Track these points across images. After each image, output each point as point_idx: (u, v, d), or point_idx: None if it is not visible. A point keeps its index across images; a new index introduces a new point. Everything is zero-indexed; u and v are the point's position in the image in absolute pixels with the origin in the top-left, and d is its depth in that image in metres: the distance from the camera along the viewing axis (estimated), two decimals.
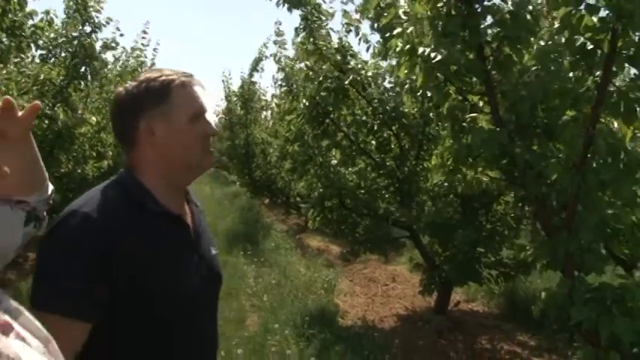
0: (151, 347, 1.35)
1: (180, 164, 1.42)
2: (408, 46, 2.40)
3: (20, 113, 1.13)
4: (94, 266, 1.26)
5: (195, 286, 1.43)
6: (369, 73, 5.51)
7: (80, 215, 1.30)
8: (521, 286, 6.72)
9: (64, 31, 6.13)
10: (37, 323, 0.91)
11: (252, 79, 14.04)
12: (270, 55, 6.72)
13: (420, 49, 2.34)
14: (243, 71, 13.72)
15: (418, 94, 2.75)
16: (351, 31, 5.22)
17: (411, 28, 2.40)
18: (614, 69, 2.07)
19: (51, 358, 0.87)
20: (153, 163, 1.41)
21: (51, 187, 1.30)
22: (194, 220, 1.52)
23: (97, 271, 1.26)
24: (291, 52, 7.35)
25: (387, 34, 4.04)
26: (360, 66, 5.45)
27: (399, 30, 2.49)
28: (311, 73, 5.36)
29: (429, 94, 2.71)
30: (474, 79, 2.48)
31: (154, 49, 13.45)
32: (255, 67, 13.95)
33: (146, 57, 7.84)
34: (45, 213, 1.29)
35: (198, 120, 1.42)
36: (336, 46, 5.49)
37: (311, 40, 5.31)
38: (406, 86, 3.72)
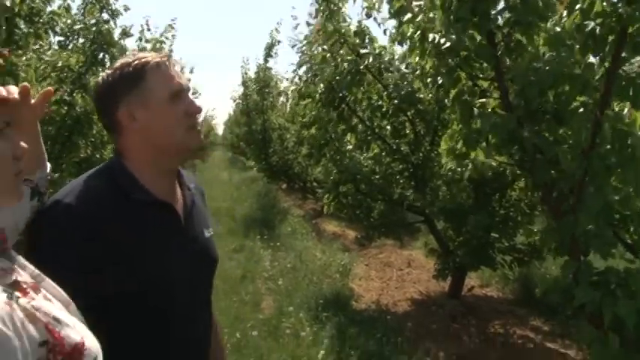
0: (144, 335, 1.35)
1: (164, 146, 1.39)
2: (418, 33, 2.42)
3: (33, 100, 1.20)
4: (80, 255, 1.26)
5: (185, 271, 1.41)
6: (386, 58, 5.51)
7: (63, 205, 1.29)
8: (535, 271, 6.72)
9: (81, 17, 6.22)
10: (58, 287, 0.99)
11: (268, 65, 14.07)
12: (289, 39, 6.71)
13: (431, 36, 2.36)
14: (258, 58, 13.76)
15: (428, 80, 2.75)
16: (371, 15, 5.21)
17: (421, 16, 2.42)
18: (624, 55, 2.08)
19: (73, 318, 0.95)
20: (138, 148, 1.39)
21: (49, 165, 1.40)
22: (185, 204, 1.49)
23: (83, 259, 1.25)
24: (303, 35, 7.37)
25: (401, 20, 4.08)
26: (377, 51, 5.45)
27: (409, 16, 2.51)
28: (328, 55, 5.37)
29: (439, 81, 2.73)
30: (484, 64, 2.50)
31: (173, 35, 13.51)
32: (268, 52, 13.97)
33: (164, 44, 7.90)
34: (45, 188, 1.38)
35: (178, 99, 1.38)
36: (355, 29, 5.50)
37: (331, 21, 5.32)
38: (417, 72, 3.73)
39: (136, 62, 1.37)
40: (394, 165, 6.17)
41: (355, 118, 5.98)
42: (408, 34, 2.52)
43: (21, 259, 0.99)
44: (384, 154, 6.09)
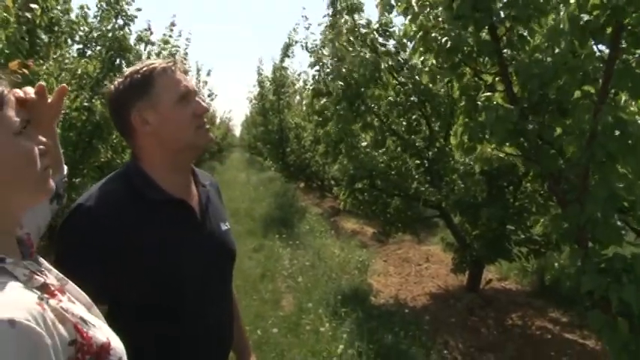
0: (155, 331, 1.41)
1: (176, 146, 1.47)
2: (421, 32, 2.49)
3: (50, 99, 1.28)
4: (101, 257, 1.33)
5: (198, 268, 1.48)
6: (403, 55, 5.56)
7: (84, 209, 1.37)
8: (552, 263, 6.70)
9: (98, 25, 6.39)
10: (80, 290, 1.05)
11: (284, 65, 14.18)
12: (303, 40, 6.81)
13: (433, 34, 2.43)
14: (274, 58, 13.89)
15: (437, 76, 2.81)
16: (390, 11, 5.28)
17: (422, 16, 2.48)
18: (623, 45, 2.12)
19: (96, 319, 1.01)
20: (152, 150, 1.47)
21: (66, 168, 1.49)
22: (200, 200, 1.56)
23: (104, 262, 1.33)
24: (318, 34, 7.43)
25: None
26: (395, 48, 5.51)
27: (411, 16, 2.58)
28: (350, 49, 5.43)
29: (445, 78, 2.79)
30: (487, 59, 2.55)
31: (187, 39, 13.75)
32: (285, 52, 14.08)
33: (179, 47, 8.08)
34: (63, 190, 1.47)
35: (186, 101, 1.46)
36: (376, 26, 5.56)
37: (353, 18, 5.38)
38: (426, 68, 3.81)
39: (144, 69, 1.46)
40: (410, 160, 6.21)
41: (372, 114, 6.03)
42: (411, 33, 2.59)
43: (46, 263, 1.03)
44: (399, 149, 6.14)
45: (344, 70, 5.71)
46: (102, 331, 0.96)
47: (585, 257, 2.29)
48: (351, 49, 5.69)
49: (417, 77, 5.61)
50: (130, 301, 1.38)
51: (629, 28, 2.03)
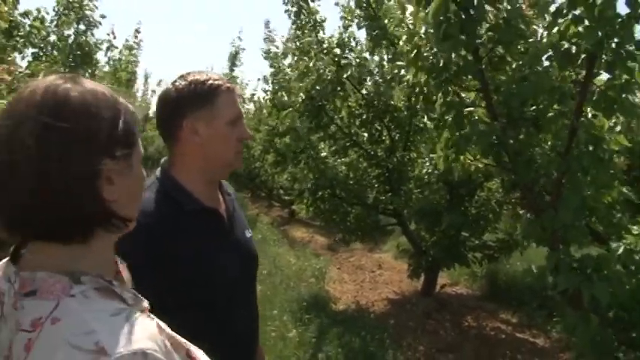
0: (193, 335, 1.47)
1: (217, 163, 1.53)
2: (415, 51, 2.69)
3: None
4: (149, 268, 1.29)
5: (234, 272, 1.54)
6: (365, 69, 5.79)
7: None
8: (501, 268, 7.13)
9: (55, 29, 6.25)
10: None
11: (234, 75, 14.19)
12: (264, 52, 6.92)
13: (425, 54, 2.65)
14: (223, 67, 13.89)
15: (416, 90, 3.03)
16: (349, 26, 5.49)
17: (416, 38, 2.69)
18: (596, 70, 2.41)
19: None
20: (193, 159, 1.51)
21: None
22: (227, 209, 1.62)
23: (151, 273, 1.28)
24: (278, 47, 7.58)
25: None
26: (357, 61, 5.73)
27: (406, 36, 2.79)
28: (311, 64, 5.59)
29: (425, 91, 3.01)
30: (471, 77, 2.80)
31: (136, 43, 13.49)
32: (233, 62, 14.11)
33: (137, 56, 7.99)
34: None
35: (236, 124, 1.52)
36: (337, 40, 5.76)
37: (313, 34, 5.55)
38: (404, 80, 4.01)
39: (210, 82, 1.50)
40: (370, 170, 6.45)
41: (333, 126, 6.23)
42: (405, 51, 2.79)
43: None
44: (360, 159, 6.36)
45: (306, 83, 5.88)
46: (205, 357, 0.95)
47: (559, 259, 2.55)
48: (312, 64, 5.87)
49: (378, 90, 5.87)
50: (164, 308, 1.44)
51: (603, 56, 2.32)
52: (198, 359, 0.92)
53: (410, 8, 2.76)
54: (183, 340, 0.90)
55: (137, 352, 0.74)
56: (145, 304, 0.91)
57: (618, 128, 2.84)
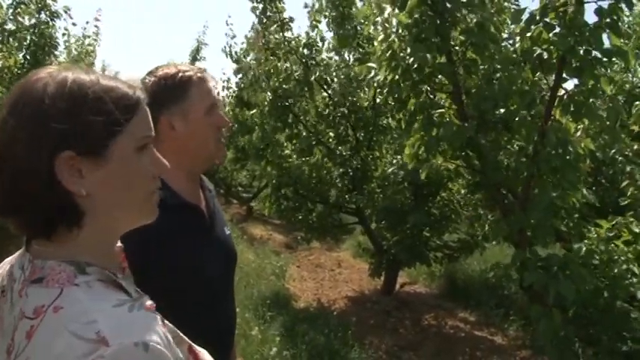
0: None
1: (197, 155, 1.50)
2: (389, 52, 2.72)
3: None
4: (135, 265, 1.26)
5: (214, 269, 1.51)
6: (332, 69, 5.81)
7: None
8: (459, 268, 7.29)
9: (11, 17, 6.00)
10: None
11: None
12: (225, 49, 6.83)
13: (401, 54, 2.68)
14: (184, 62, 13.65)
15: (384, 90, 3.06)
16: (317, 27, 5.49)
17: (393, 36, 2.72)
18: (564, 75, 2.50)
19: None
20: (172, 155, 1.43)
21: None
22: (208, 206, 1.58)
23: (137, 269, 1.26)
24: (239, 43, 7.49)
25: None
26: (325, 62, 5.74)
27: (382, 37, 2.81)
28: (279, 64, 5.56)
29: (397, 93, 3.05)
30: (443, 79, 2.85)
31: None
32: (195, 56, 13.92)
33: (95, 44, 7.74)
34: None
35: (212, 112, 1.48)
36: (305, 41, 5.75)
37: (280, 34, 5.53)
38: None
39: (180, 75, 1.45)
40: (334, 169, 6.47)
41: (300, 125, 6.21)
42: (379, 53, 2.82)
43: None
44: (325, 159, 6.38)
45: (274, 82, 5.85)
46: (206, 355, 0.95)
47: (526, 257, 2.64)
48: (279, 63, 5.84)
49: (347, 89, 5.90)
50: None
51: (573, 62, 2.40)
52: (200, 354, 0.92)
53: (388, 9, 2.78)
54: (184, 337, 0.90)
55: (138, 343, 0.73)
56: (148, 299, 0.89)
57: (579, 133, 2.96)
